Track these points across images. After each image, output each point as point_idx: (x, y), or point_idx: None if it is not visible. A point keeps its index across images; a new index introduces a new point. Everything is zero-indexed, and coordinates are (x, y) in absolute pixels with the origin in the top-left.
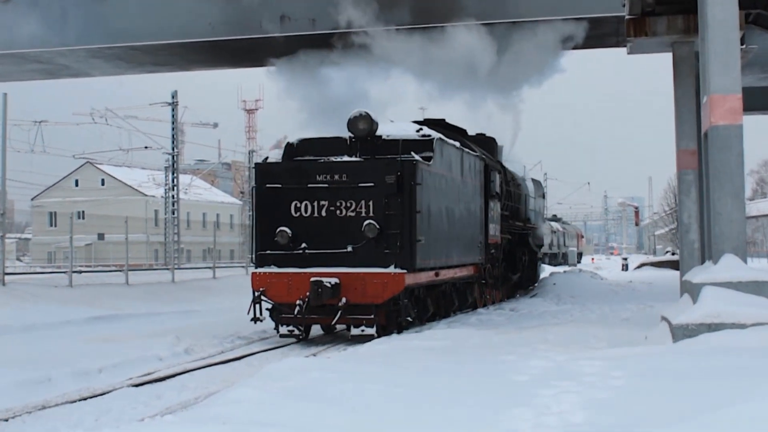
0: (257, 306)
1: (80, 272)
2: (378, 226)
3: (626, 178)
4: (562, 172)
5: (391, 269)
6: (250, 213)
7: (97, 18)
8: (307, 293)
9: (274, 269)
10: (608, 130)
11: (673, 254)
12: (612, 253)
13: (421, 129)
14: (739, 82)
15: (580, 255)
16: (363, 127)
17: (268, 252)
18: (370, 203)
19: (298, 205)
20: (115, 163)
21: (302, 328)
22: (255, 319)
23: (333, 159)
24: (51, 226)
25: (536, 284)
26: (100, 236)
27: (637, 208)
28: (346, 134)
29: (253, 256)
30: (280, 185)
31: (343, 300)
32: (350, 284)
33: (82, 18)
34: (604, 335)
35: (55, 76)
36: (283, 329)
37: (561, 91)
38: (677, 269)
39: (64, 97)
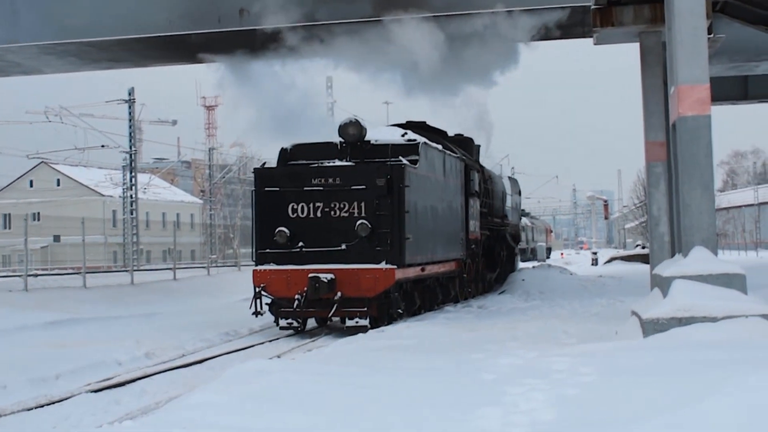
0: (258, 301)
1: (36, 275)
2: (370, 226)
3: (595, 171)
4: (529, 165)
5: (383, 265)
6: (211, 212)
7: (48, 13)
8: (305, 288)
9: (273, 266)
10: (576, 122)
11: (643, 248)
12: (581, 248)
13: (406, 133)
14: (706, 72)
15: (549, 250)
16: (353, 132)
17: (268, 251)
18: (362, 204)
19: (295, 206)
20: (70, 163)
21: (300, 321)
22: (256, 313)
23: (327, 163)
24: (5, 228)
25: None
26: (56, 238)
27: (606, 201)
28: (336, 139)
29: (254, 254)
30: (278, 188)
31: (339, 294)
32: (345, 279)
33: (33, 13)
34: (574, 331)
35: (5, 73)
36: (283, 322)
37: (527, 83)
38: (647, 263)
39: (17, 95)
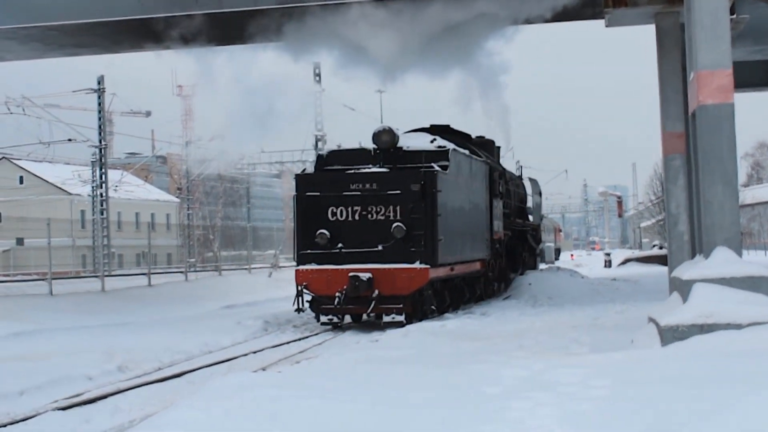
0: (300, 298)
1: None
2: (405, 228)
3: (608, 164)
4: (536, 158)
5: (417, 265)
6: (189, 212)
7: None
8: (345, 286)
9: (314, 266)
10: (587, 112)
11: (660, 248)
12: (593, 249)
13: (435, 139)
14: (729, 57)
15: (558, 251)
16: (386, 139)
17: (309, 251)
18: (398, 208)
19: (335, 210)
20: (34, 158)
21: (341, 317)
22: (298, 310)
23: (364, 170)
24: None
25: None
26: (20, 241)
27: (620, 197)
28: (370, 146)
29: (295, 255)
30: (318, 193)
31: (376, 292)
32: (382, 278)
33: None
34: (586, 340)
35: None
36: (323, 318)
37: (533, 71)
38: (666, 265)
39: None
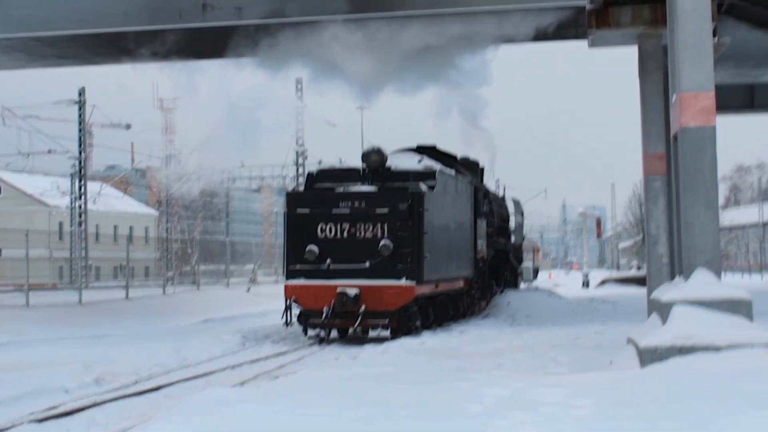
0: (288, 312)
1: None
2: (392, 245)
3: (587, 185)
4: (515, 178)
5: (403, 281)
6: (167, 225)
7: None
8: (332, 301)
9: (303, 281)
10: (566, 132)
11: (638, 269)
12: (571, 269)
13: (422, 159)
14: (711, 79)
15: (536, 271)
16: (375, 159)
17: (298, 267)
18: (385, 226)
19: (324, 227)
20: (13, 169)
21: (327, 331)
22: (287, 323)
23: (353, 188)
24: None
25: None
26: None
27: (599, 218)
28: (359, 165)
29: (284, 270)
30: (308, 210)
31: (363, 307)
32: (369, 294)
33: None
34: (565, 359)
35: None
36: (311, 332)
37: (513, 89)
38: (644, 286)
39: None
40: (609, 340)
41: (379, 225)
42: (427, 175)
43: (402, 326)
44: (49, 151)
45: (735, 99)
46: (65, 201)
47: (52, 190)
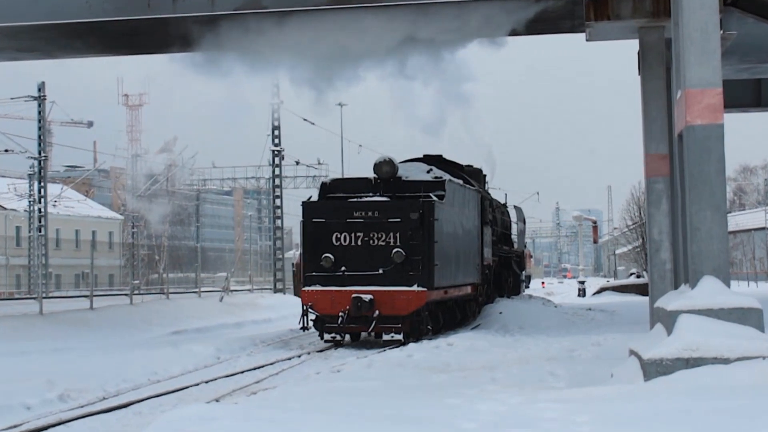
0: (306, 317)
1: None
2: (404, 253)
3: (582, 186)
4: (506, 179)
5: (415, 287)
6: (133, 230)
7: None
8: (348, 306)
9: (319, 287)
10: (561, 129)
11: (638, 277)
12: (565, 276)
13: (431, 170)
14: (719, 74)
15: (528, 278)
16: (386, 170)
17: (314, 273)
18: (397, 234)
19: (339, 235)
20: None
21: (343, 335)
22: (304, 328)
23: (366, 198)
24: None
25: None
26: None
27: (595, 222)
28: (371, 175)
29: (302, 276)
30: (324, 220)
31: (377, 312)
32: (382, 299)
33: None
34: (563, 373)
35: None
36: (327, 336)
37: (503, 84)
38: (644, 294)
39: None
40: (608, 351)
41: (391, 233)
42: (437, 185)
43: (414, 330)
44: (6, 151)
45: (741, 95)
46: (23, 204)
47: (8, 192)
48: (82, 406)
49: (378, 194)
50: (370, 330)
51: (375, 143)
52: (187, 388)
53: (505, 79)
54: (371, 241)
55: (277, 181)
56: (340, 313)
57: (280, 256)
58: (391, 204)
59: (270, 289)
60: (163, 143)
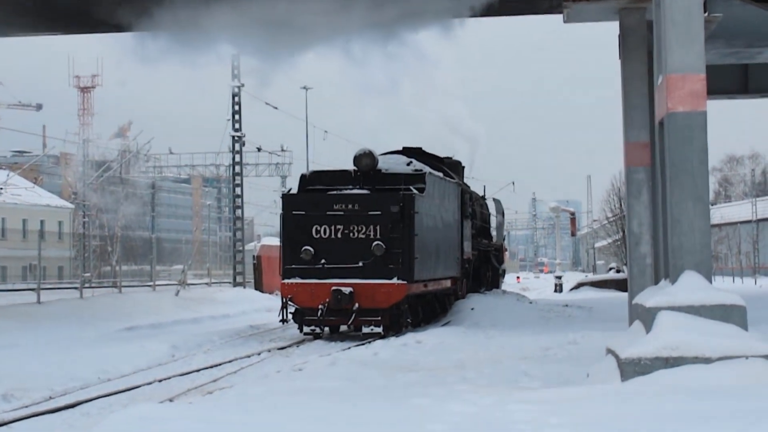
0: (285, 310)
1: None
2: (384, 246)
3: (559, 176)
4: (479, 167)
5: (395, 280)
6: (84, 220)
7: None
8: (327, 299)
9: (299, 280)
10: (538, 116)
11: (618, 272)
12: (542, 271)
13: (411, 162)
14: (702, 59)
15: (503, 272)
16: (367, 162)
17: (294, 266)
18: (378, 227)
19: (319, 228)
20: None
21: (322, 328)
22: (283, 321)
23: (347, 191)
24: None
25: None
26: None
27: (573, 214)
28: (351, 167)
29: (281, 269)
30: (304, 212)
31: (356, 305)
32: (362, 292)
33: None
34: (537, 372)
35: None
36: (306, 329)
37: (477, 67)
38: (624, 290)
39: None
40: (585, 350)
41: (371, 226)
42: (417, 177)
43: (393, 324)
44: None
45: (727, 81)
46: None
47: None
48: (26, 407)
49: (358, 187)
50: (349, 323)
51: (342, 130)
52: (139, 387)
53: (479, 60)
54: (351, 234)
55: (237, 169)
56: (320, 306)
57: (240, 248)
58: (371, 197)
59: (229, 282)
60: (117, 128)
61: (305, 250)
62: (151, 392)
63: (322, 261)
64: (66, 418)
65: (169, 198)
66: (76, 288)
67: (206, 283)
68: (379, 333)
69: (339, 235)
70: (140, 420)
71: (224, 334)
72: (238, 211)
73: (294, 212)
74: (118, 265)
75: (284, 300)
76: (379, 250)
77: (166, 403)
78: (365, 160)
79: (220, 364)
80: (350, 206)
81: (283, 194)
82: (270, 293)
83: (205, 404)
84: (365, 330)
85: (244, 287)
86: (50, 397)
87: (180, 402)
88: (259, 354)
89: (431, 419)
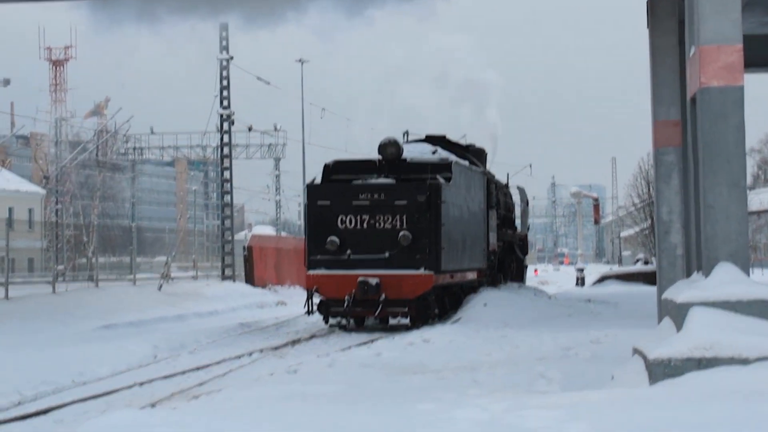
0: (310, 301)
1: None
2: (410, 236)
3: (581, 158)
4: (494, 149)
5: (422, 271)
6: (57, 207)
7: None
8: (353, 290)
9: (324, 271)
10: (558, 93)
11: (646, 263)
12: (562, 262)
13: (435, 150)
14: (739, 28)
15: (526, 265)
16: (392, 151)
17: (319, 257)
18: (404, 217)
19: (344, 218)
20: None
21: (348, 320)
22: (309, 312)
23: (372, 181)
24: None
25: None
26: None
27: (597, 200)
28: (375, 157)
29: (306, 260)
30: (329, 202)
31: (383, 296)
32: (389, 283)
33: None
34: (556, 375)
35: None
36: (332, 321)
37: (492, 43)
38: (653, 284)
39: None
40: (609, 350)
41: (398, 216)
42: (443, 166)
43: (420, 315)
44: None
45: (765, 53)
46: None
47: None
48: None
49: (383, 176)
50: (376, 314)
51: (341, 107)
52: (117, 391)
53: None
54: (377, 224)
55: (225, 150)
56: (346, 297)
57: (230, 238)
58: (397, 186)
59: (217, 276)
60: (93, 105)
61: (331, 240)
62: (131, 397)
63: (348, 251)
64: (36, 425)
65: (150, 182)
66: (48, 282)
67: (192, 277)
68: (406, 324)
69: (365, 226)
70: (119, 427)
71: (212, 332)
72: (227, 197)
73: (319, 202)
74: (94, 256)
75: (309, 291)
76: (405, 240)
77: (147, 409)
78: (390, 149)
79: (207, 366)
80: (376, 196)
81: (307, 184)
82: (262, 287)
83: (190, 410)
84: (392, 322)
85: (234, 281)
86: (19, 403)
87: (163, 407)
88: (250, 354)
89: (437, 427)
